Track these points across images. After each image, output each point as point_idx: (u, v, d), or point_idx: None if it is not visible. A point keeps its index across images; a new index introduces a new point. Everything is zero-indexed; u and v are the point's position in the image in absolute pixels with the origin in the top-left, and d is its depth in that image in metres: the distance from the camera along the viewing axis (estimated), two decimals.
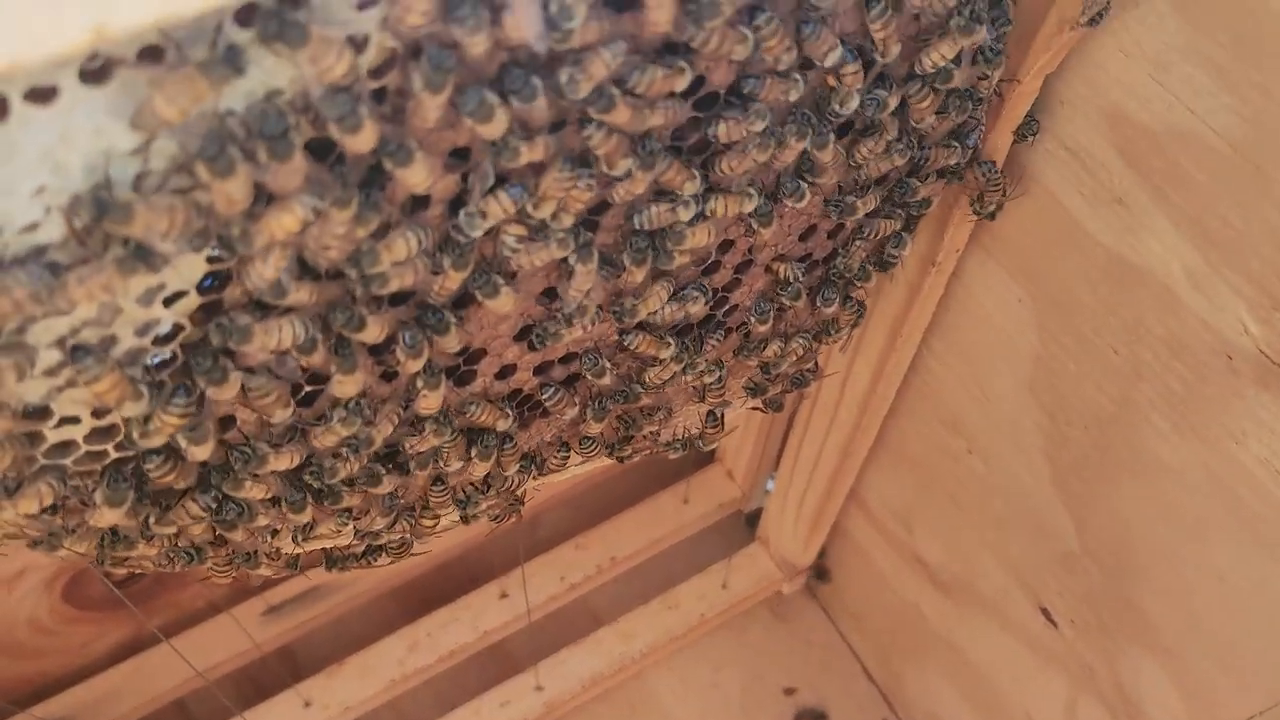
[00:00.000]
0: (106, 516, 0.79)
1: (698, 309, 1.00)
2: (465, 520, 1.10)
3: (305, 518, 0.95)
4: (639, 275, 0.90)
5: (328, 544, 1.05)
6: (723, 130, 0.83)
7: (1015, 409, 1.35)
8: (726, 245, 0.99)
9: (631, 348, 1.00)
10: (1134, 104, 1.01)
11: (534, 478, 1.10)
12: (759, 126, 0.84)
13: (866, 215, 1.04)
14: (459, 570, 1.88)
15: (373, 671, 1.76)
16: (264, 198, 0.67)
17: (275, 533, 1.00)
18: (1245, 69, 0.90)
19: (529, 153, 0.73)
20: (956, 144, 1.04)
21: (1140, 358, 1.14)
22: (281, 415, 0.83)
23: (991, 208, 1.15)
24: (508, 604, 1.83)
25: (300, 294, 0.76)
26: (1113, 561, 1.33)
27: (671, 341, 1.02)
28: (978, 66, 0.96)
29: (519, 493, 1.13)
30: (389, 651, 1.78)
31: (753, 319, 1.08)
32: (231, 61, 0.60)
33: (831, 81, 0.87)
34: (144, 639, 1.65)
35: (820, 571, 2.03)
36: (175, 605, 1.65)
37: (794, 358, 1.16)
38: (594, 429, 1.09)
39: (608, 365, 1.01)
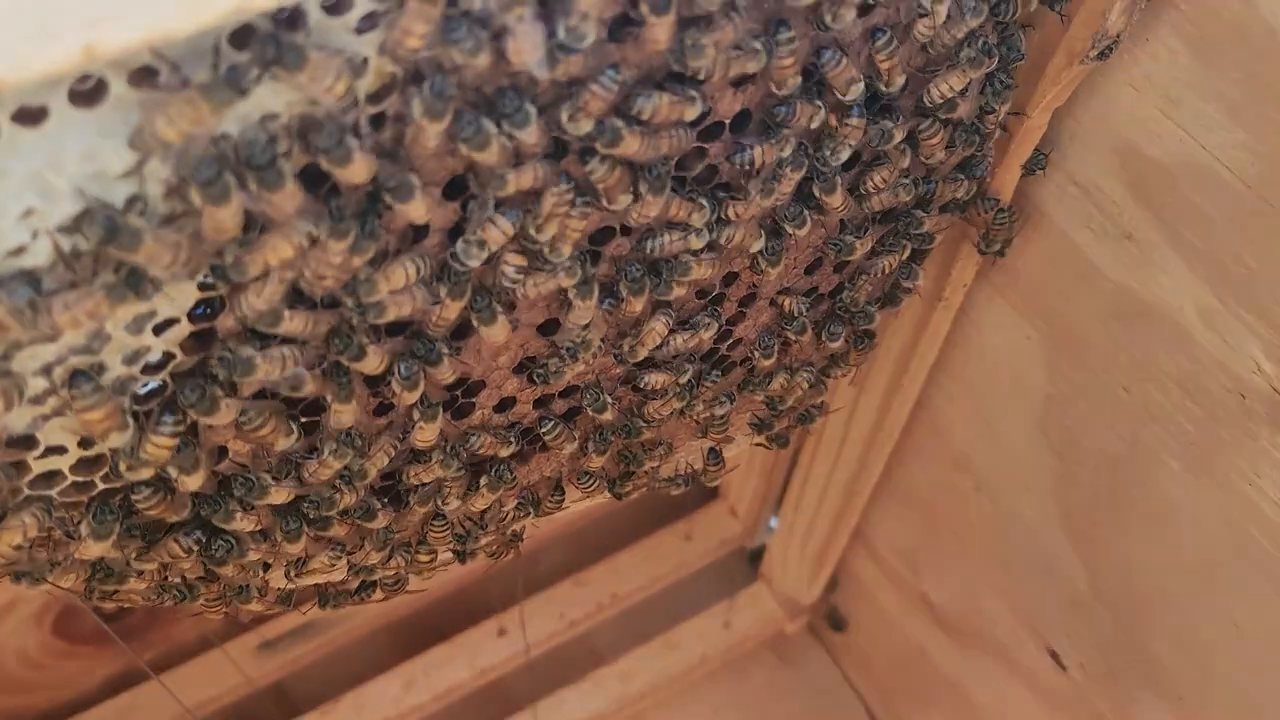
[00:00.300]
0: (92, 549, 0.77)
1: (709, 335, 0.98)
2: (462, 559, 1.08)
3: (299, 548, 0.92)
4: (637, 306, 0.89)
5: (321, 579, 1.03)
6: (757, 154, 0.82)
7: (1024, 447, 1.33)
8: (730, 278, 0.98)
9: (644, 387, 0.99)
10: (1144, 139, 1.00)
11: (532, 516, 1.08)
12: (788, 151, 0.84)
13: (867, 255, 1.03)
14: (456, 606, 1.86)
15: (367, 709, 1.73)
16: (256, 226, 0.65)
17: (267, 567, 0.98)
18: (1259, 105, 0.89)
19: (516, 181, 0.72)
20: (963, 177, 1.03)
21: (1151, 397, 1.12)
22: (284, 444, 0.82)
23: (998, 245, 1.13)
24: (506, 641, 1.80)
25: (295, 323, 0.74)
26: (1124, 605, 1.30)
27: (690, 367, 1.00)
28: (985, 100, 0.95)
29: (517, 529, 1.10)
30: (384, 689, 1.75)
31: (757, 353, 1.06)
32: (234, 83, 0.59)
33: (833, 121, 0.86)
34: (135, 674, 1.63)
35: (835, 621, 1.98)
36: (168, 639, 1.62)
37: (799, 392, 1.14)
38: (595, 464, 1.07)
39: (609, 400, 0.99)
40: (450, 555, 1.09)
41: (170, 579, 0.91)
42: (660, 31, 0.68)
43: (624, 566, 1.89)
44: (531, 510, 1.08)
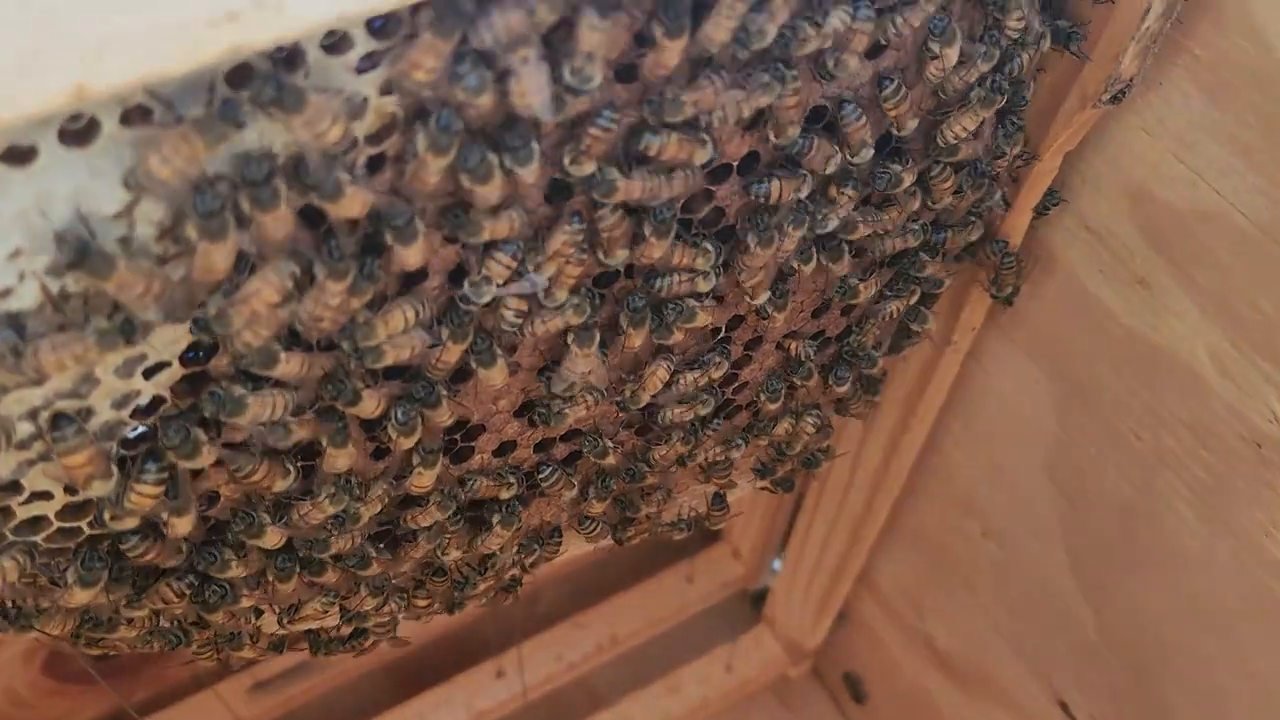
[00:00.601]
0: (78, 597, 0.75)
1: (719, 375, 0.96)
2: (451, 609, 1.05)
3: (291, 587, 0.90)
4: (636, 340, 0.87)
5: (314, 624, 1.00)
6: (774, 188, 0.81)
7: (1033, 492, 1.30)
8: (737, 320, 0.96)
9: (663, 420, 0.97)
10: (1157, 183, 0.98)
11: (537, 554, 1.06)
12: (805, 191, 0.83)
13: (874, 299, 1.01)
14: (453, 646, 1.83)
15: None
16: (244, 268, 0.63)
17: (259, 613, 0.95)
18: (1274, 150, 0.88)
19: (492, 229, 0.70)
20: (975, 219, 1.01)
21: (1164, 444, 1.10)
22: (282, 485, 0.80)
23: (1009, 290, 1.11)
24: (504, 683, 1.77)
25: (290, 365, 0.72)
26: (1136, 655, 1.28)
27: (710, 397, 0.98)
28: (995, 142, 0.94)
29: (515, 574, 1.08)
30: None
31: (763, 397, 1.04)
32: (229, 116, 0.57)
33: (833, 193, 0.85)
34: (125, 714, 1.59)
35: (857, 692, 1.94)
36: (159, 679, 1.59)
37: (805, 437, 1.12)
38: (595, 509, 1.05)
39: (610, 446, 0.97)
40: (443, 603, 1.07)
41: (161, 624, 0.88)
42: (670, 56, 0.67)
43: (624, 608, 1.86)
44: (537, 549, 1.06)
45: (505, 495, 0.96)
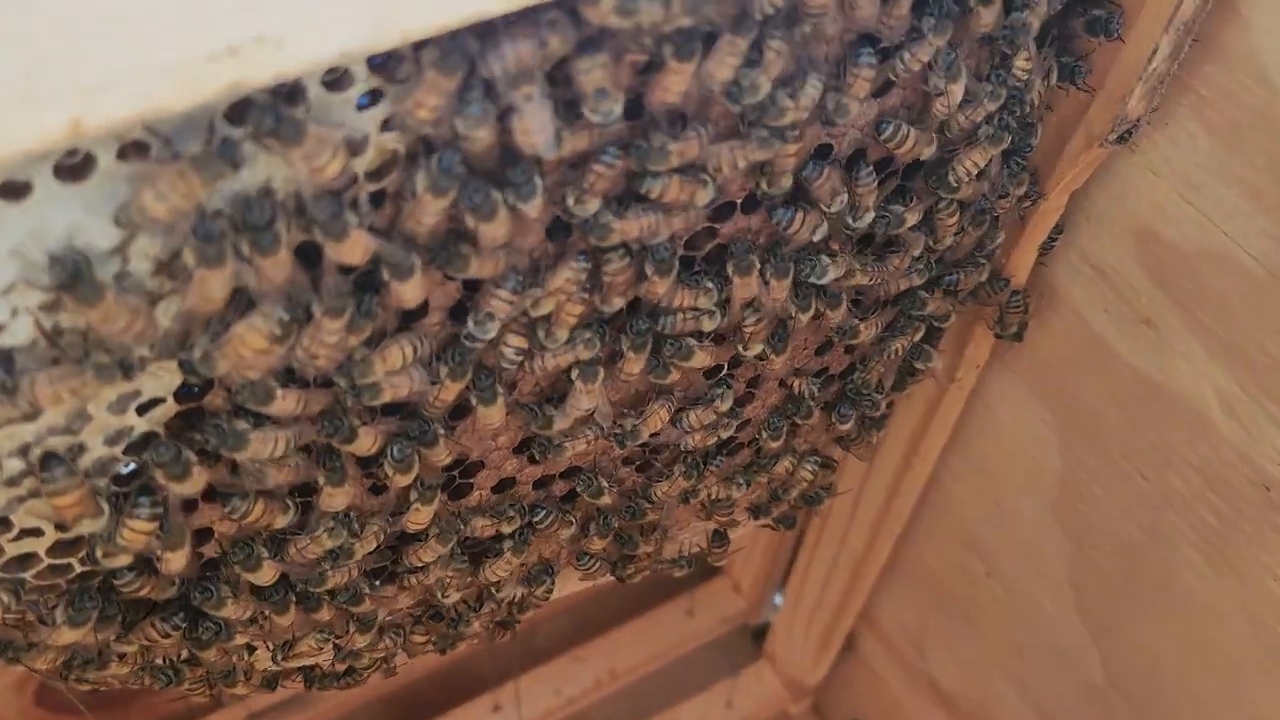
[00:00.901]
0: (66, 636, 0.73)
1: (725, 406, 0.95)
2: (443, 650, 1.04)
3: (287, 621, 0.89)
4: (635, 366, 0.85)
5: (309, 661, 0.99)
6: (797, 221, 0.81)
7: (1037, 532, 1.29)
8: (738, 360, 0.95)
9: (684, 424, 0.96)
10: (1163, 223, 0.98)
11: (528, 600, 1.05)
12: (822, 233, 0.82)
13: (875, 338, 1.01)
14: (450, 680, 1.80)
15: None
16: (237, 306, 0.62)
17: (253, 650, 0.94)
18: None
19: (479, 268, 0.70)
20: (983, 260, 1.01)
21: (1170, 485, 1.09)
22: (283, 521, 0.79)
23: (1014, 329, 1.11)
24: (500, 718, 1.75)
25: (287, 402, 0.71)
26: (1141, 697, 1.26)
27: (728, 420, 0.97)
28: (1001, 182, 0.93)
29: (512, 613, 1.07)
30: None
31: (765, 434, 1.03)
32: (227, 155, 0.57)
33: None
34: None
35: None
36: (152, 710, 1.57)
37: (803, 483, 1.11)
38: (595, 546, 1.04)
39: (605, 485, 0.96)
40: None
41: (152, 662, 0.87)
42: (679, 81, 0.66)
43: (624, 642, 1.84)
44: (540, 583, 1.05)
45: (507, 529, 0.95)
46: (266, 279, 0.61)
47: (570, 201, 0.68)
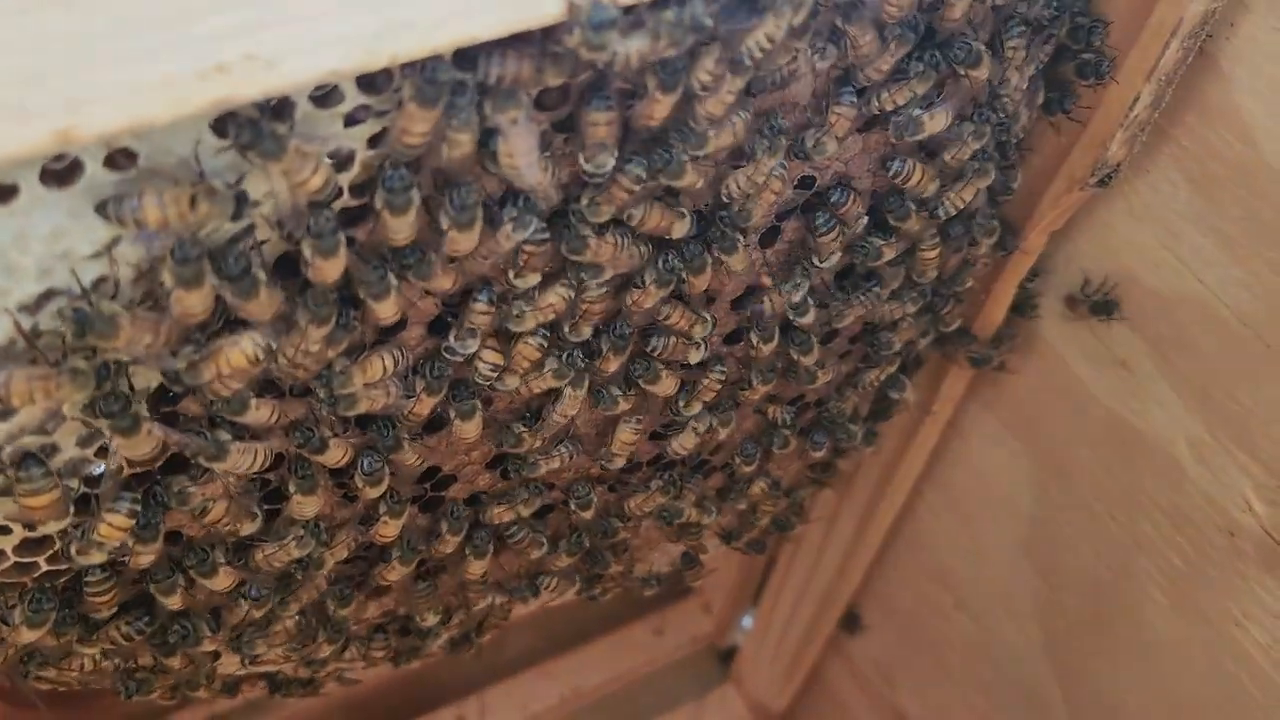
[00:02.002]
0: (25, 636, 0.73)
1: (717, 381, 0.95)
2: (397, 662, 1.03)
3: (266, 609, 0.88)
4: (613, 365, 0.85)
5: (273, 669, 0.99)
6: (826, 240, 0.84)
7: (1007, 568, 1.30)
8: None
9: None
10: (1142, 268, 0.99)
11: (500, 617, 1.05)
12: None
13: (846, 375, 1.02)
14: (414, 690, 1.79)
15: None
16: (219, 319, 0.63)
17: (217, 655, 0.93)
18: (1258, 244, 0.88)
19: (441, 280, 0.70)
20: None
21: (1140, 527, 1.10)
22: (250, 528, 0.79)
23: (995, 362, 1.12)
24: None
25: (262, 411, 0.71)
26: None
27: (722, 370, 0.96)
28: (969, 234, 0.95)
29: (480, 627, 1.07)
30: None
31: (738, 459, 1.03)
32: (241, 202, 0.59)
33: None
34: None
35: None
36: (114, 709, 1.55)
37: (776, 505, 1.12)
38: (563, 563, 1.04)
39: (594, 499, 0.96)
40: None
41: (116, 666, 0.86)
42: (661, 110, 0.67)
43: (592, 659, 1.83)
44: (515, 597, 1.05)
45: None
46: (252, 317, 0.62)
47: (584, 203, 0.70)
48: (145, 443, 0.66)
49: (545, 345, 0.77)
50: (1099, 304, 1.03)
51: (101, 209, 0.56)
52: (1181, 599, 1.08)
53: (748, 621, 1.88)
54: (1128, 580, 1.13)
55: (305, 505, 0.80)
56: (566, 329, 0.77)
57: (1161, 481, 1.05)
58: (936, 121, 0.80)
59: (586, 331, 0.78)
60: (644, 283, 0.77)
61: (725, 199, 0.76)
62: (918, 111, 0.79)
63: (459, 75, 0.59)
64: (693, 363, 0.85)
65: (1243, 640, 1.03)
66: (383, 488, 0.79)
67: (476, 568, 0.94)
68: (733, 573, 1.80)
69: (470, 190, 0.63)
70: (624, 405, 0.87)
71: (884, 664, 1.64)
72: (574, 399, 0.82)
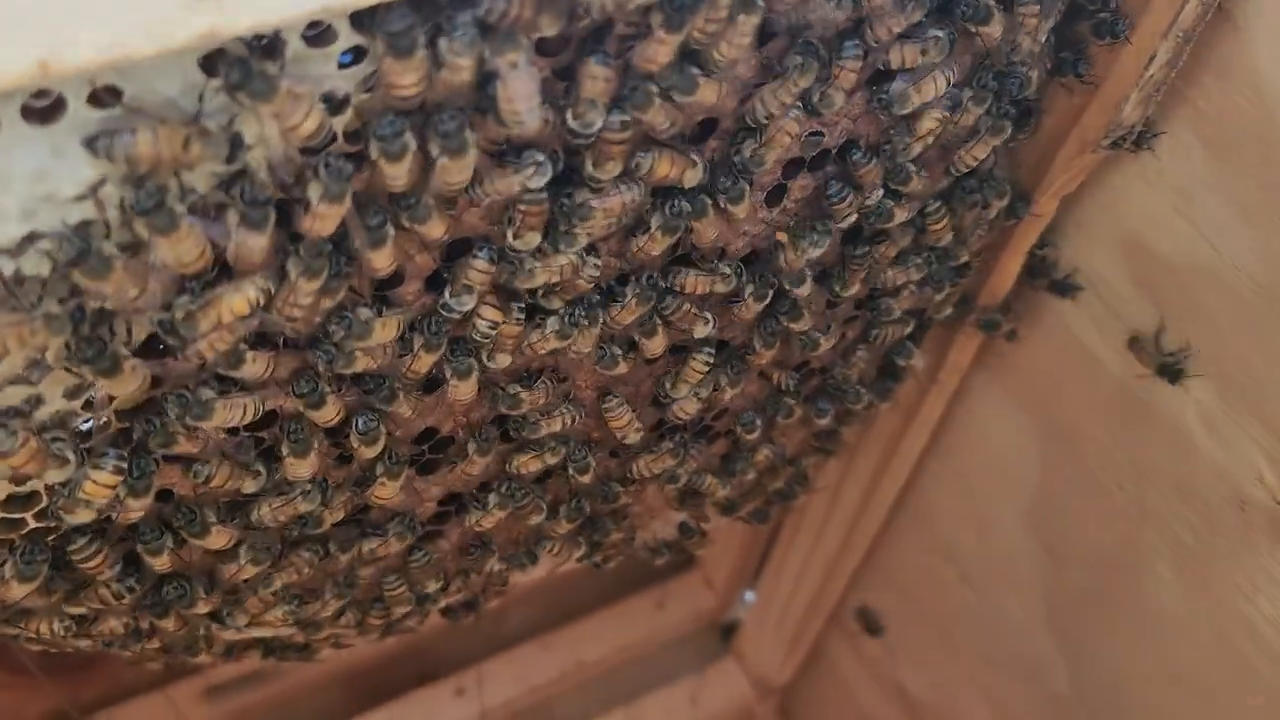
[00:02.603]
0: (15, 591, 0.72)
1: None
2: (383, 633, 1.02)
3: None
4: (628, 316, 0.83)
5: (270, 633, 0.97)
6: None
7: (1012, 541, 1.28)
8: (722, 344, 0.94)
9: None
10: (1153, 234, 0.97)
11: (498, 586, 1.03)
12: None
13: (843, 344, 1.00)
14: (413, 661, 1.79)
15: None
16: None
17: (216, 617, 0.92)
18: (1273, 211, 0.86)
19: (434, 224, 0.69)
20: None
21: (1147, 499, 1.08)
22: (253, 486, 0.78)
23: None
24: (463, 702, 1.73)
25: (257, 365, 0.70)
26: (1106, 712, 1.25)
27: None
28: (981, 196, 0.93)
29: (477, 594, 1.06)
30: None
31: (739, 428, 1.02)
32: (235, 145, 0.57)
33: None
34: (73, 711, 1.55)
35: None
36: (109, 677, 1.55)
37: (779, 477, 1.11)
38: (563, 529, 1.02)
39: (592, 462, 0.95)
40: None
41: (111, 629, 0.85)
42: (663, 53, 0.65)
43: (592, 632, 1.83)
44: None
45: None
46: (246, 257, 0.60)
47: (590, 166, 0.69)
48: (130, 380, 0.64)
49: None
50: (1059, 283, 1.03)
51: (91, 144, 0.54)
52: (1187, 571, 1.06)
53: (750, 596, 1.88)
54: (1133, 553, 1.12)
55: (298, 467, 0.78)
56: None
57: (1170, 452, 1.04)
58: (925, 92, 0.79)
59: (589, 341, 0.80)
60: (650, 228, 0.75)
61: (750, 122, 0.74)
62: (900, 84, 0.78)
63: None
64: (698, 336, 0.84)
65: (1251, 614, 1.02)
66: (379, 447, 0.78)
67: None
68: (735, 547, 1.79)
69: (455, 115, 0.61)
70: (623, 367, 0.85)
71: (887, 637, 1.63)
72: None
